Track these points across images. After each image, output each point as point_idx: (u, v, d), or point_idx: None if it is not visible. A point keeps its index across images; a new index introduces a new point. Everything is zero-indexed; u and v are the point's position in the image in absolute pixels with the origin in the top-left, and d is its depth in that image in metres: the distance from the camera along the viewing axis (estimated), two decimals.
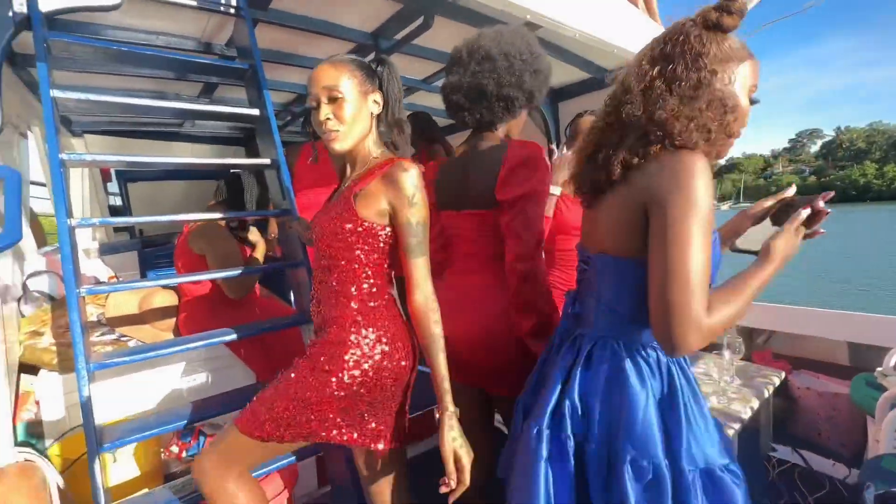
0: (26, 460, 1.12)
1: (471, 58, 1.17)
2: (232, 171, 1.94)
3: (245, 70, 1.61)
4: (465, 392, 1.36)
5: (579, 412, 0.84)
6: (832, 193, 0.85)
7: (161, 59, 1.59)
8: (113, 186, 3.31)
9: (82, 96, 1.29)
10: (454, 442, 0.89)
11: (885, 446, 1.50)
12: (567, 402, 0.85)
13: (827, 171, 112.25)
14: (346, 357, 0.92)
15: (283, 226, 1.66)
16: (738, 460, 0.82)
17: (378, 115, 1.01)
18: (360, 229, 0.93)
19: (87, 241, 2.65)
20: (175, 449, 1.59)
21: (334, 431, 0.94)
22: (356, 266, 0.96)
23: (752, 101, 0.81)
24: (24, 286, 1.62)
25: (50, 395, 1.41)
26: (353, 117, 0.95)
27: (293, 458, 1.29)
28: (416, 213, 0.92)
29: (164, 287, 1.89)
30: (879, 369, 1.73)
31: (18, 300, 1.57)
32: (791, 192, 0.92)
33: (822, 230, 0.84)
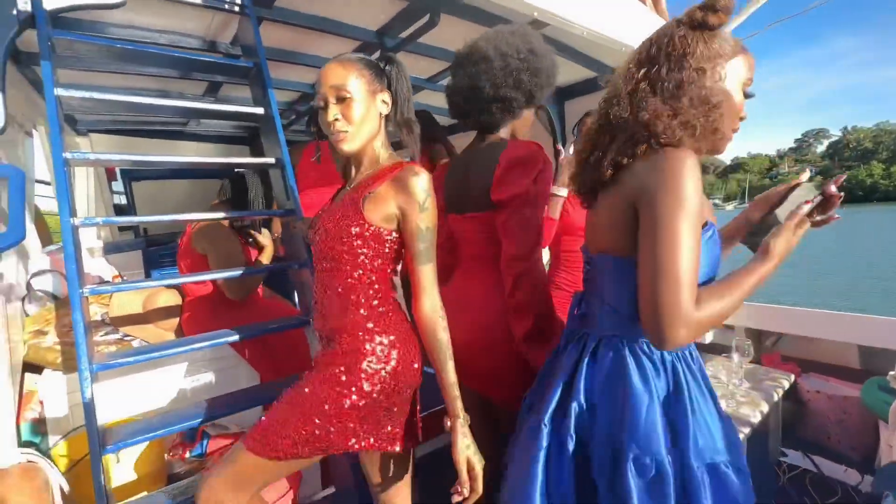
0: (29, 461, 1.11)
1: (469, 60, 1.17)
2: (236, 170, 1.94)
3: (249, 68, 1.60)
4: (466, 395, 1.35)
5: (583, 410, 0.84)
6: (844, 176, 0.86)
7: (165, 57, 1.58)
8: (118, 185, 3.32)
9: (86, 94, 1.28)
10: (468, 450, 0.88)
11: None
12: (570, 399, 0.85)
13: (833, 171, 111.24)
14: (363, 366, 0.91)
15: (286, 225, 1.65)
16: (747, 464, 0.81)
17: (387, 116, 1.00)
18: (367, 234, 0.91)
19: (91, 239, 2.65)
20: (179, 450, 1.58)
21: (352, 440, 0.91)
22: (360, 272, 0.94)
23: (747, 95, 0.83)
24: (29, 285, 1.62)
25: (54, 395, 1.41)
26: (361, 117, 0.93)
27: None
28: (426, 219, 0.91)
29: (168, 287, 1.89)
30: (892, 373, 1.70)
31: (22, 299, 1.57)
32: (805, 177, 0.90)
33: (836, 215, 0.83)
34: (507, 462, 0.95)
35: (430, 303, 0.91)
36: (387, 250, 0.94)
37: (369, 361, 0.91)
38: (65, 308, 1.57)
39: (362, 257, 0.93)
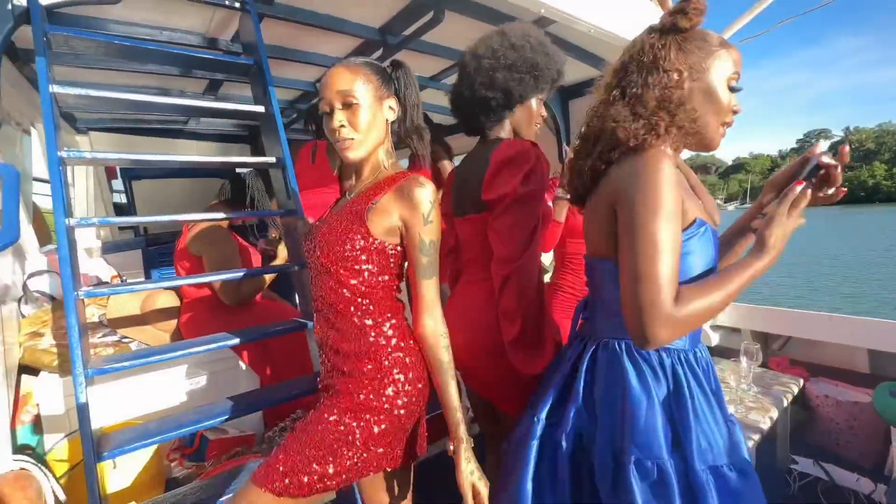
0: (22, 469, 1.08)
1: (459, 70, 1.21)
2: (237, 169, 1.91)
3: (250, 66, 1.57)
4: (472, 398, 1.33)
5: (582, 413, 0.85)
6: (846, 147, 0.81)
7: (165, 54, 1.55)
8: (118, 184, 3.30)
9: (82, 92, 1.25)
10: (472, 475, 0.86)
11: None
12: (569, 402, 0.86)
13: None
14: (388, 392, 0.87)
15: (287, 226, 1.62)
16: (757, 472, 0.80)
17: (392, 122, 0.96)
18: (371, 248, 0.87)
19: (89, 239, 2.62)
20: (177, 454, 1.56)
21: (375, 464, 0.88)
22: (365, 288, 0.89)
23: (734, 90, 0.82)
24: (25, 286, 1.59)
25: (50, 398, 1.38)
26: (368, 125, 0.89)
27: None
28: (430, 232, 0.87)
29: (166, 288, 1.86)
30: None
31: (19, 300, 1.54)
32: (819, 148, 0.82)
33: (843, 188, 0.80)
34: (502, 456, 0.97)
35: (432, 322, 0.88)
36: (392, 265, 0.90)
37: (392, 385, 0.88)
38: (62, 310, 1.54)
39: (367, 273, 0.88)
